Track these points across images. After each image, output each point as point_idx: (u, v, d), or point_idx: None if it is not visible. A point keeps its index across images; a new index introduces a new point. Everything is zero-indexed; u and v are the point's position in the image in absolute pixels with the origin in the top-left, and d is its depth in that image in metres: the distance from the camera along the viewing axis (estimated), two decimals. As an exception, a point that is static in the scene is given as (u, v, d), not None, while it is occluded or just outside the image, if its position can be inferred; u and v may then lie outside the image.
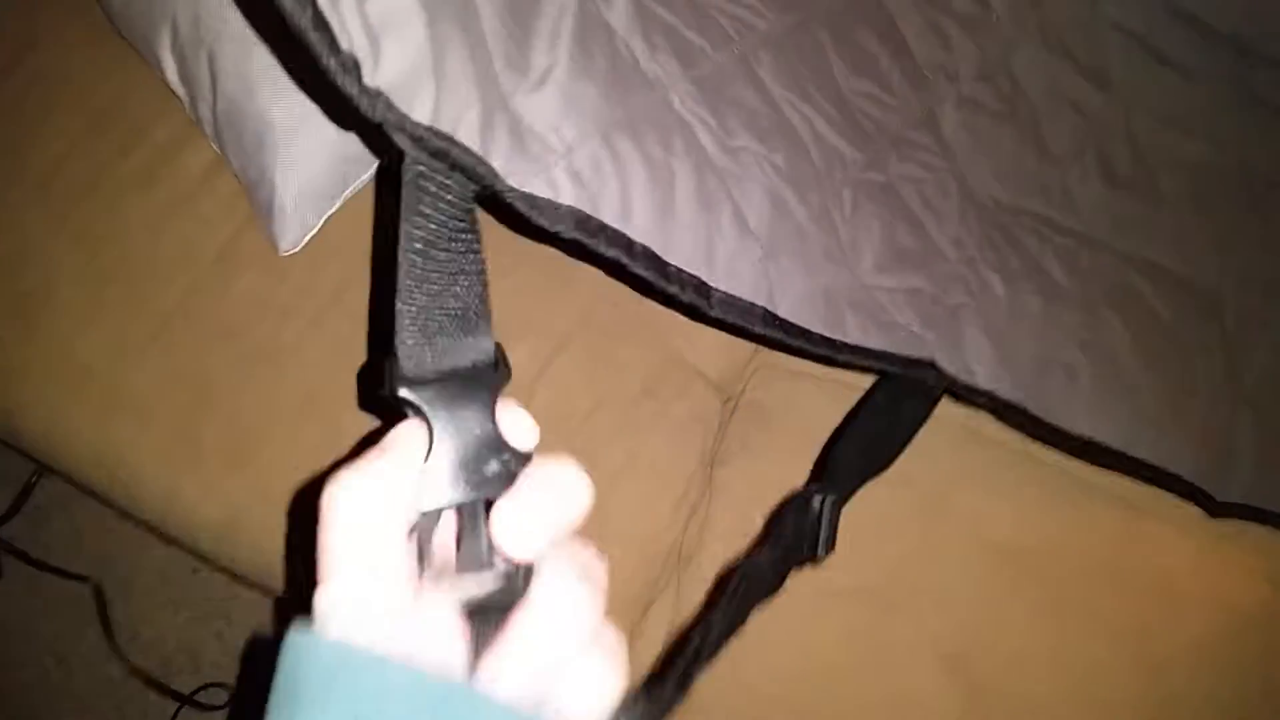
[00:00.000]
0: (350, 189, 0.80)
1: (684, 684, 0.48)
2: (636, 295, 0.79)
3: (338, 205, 0.80)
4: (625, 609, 0.77)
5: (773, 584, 0.59)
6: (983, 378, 0.69)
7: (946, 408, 0.79)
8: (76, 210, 0.83)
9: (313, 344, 0.79)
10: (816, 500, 0.61)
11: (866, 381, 0.80)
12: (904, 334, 0.67)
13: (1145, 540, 0.76)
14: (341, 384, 0.78)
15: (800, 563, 0.62)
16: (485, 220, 0.83)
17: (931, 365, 0.67)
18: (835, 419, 0.79)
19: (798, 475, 0.78)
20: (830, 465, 0.66)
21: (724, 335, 0.83)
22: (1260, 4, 0.85)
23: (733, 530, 0.77)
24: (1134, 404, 0.74)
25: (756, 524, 0.77)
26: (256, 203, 0.79)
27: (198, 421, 0.79)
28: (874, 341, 0.64)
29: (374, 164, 0.81)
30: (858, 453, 0.67)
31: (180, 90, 0.80)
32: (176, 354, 0.79)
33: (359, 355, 0.79)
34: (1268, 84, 0.85)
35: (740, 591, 0.56)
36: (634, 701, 0.34)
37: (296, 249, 0.80)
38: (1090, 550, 0.76)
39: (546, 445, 0.75)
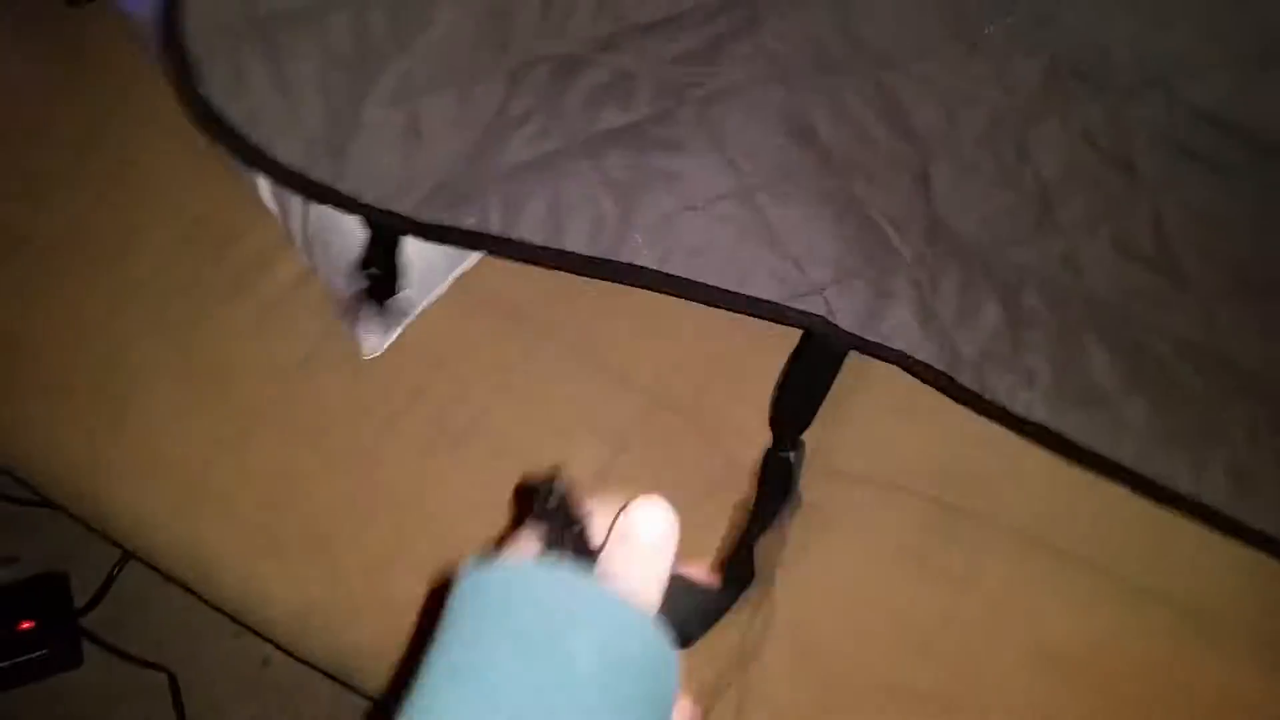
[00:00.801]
0: (429, 298, 0.85)
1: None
2: (695, 397, 0.82)
3: (417, 313, 0.84)
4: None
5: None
6: (900, 344, 0.77)
7: (1007, 511, 0.80)
8: (169, 314, 0.89)
9: (390, 444, 0.83)
10: (790, 458, 0.79)
11: (930, 486, 0.81)
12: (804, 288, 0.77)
13: (1204, 650, 0.75)
14: (414, 483, 0.82)
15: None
16: (544, 329, 0.87)
17: (824, 320, 0.76)
18: (893, 522, 0.81)
19: (856, 576, 0.79)
20: (780, 430, 0.81)
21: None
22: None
23: (794, 632, 0.78)
24: (1114, 416, 0.76)
25: (818, 625, 0.78)
26: (342, 311, 0.83)
27: (278, 516, 0.82)
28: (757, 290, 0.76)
29: (451, 276, 0.85)
30: (793, 415, 0.80)
31: (273, 207, 0.86)
32: (260, 451, 0.84)
33: (432, 455, 0.82)
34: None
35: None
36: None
37: (378, 353, 0.84)
38: (1147, 657, 0.75)
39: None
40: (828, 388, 0.80)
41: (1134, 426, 0.76)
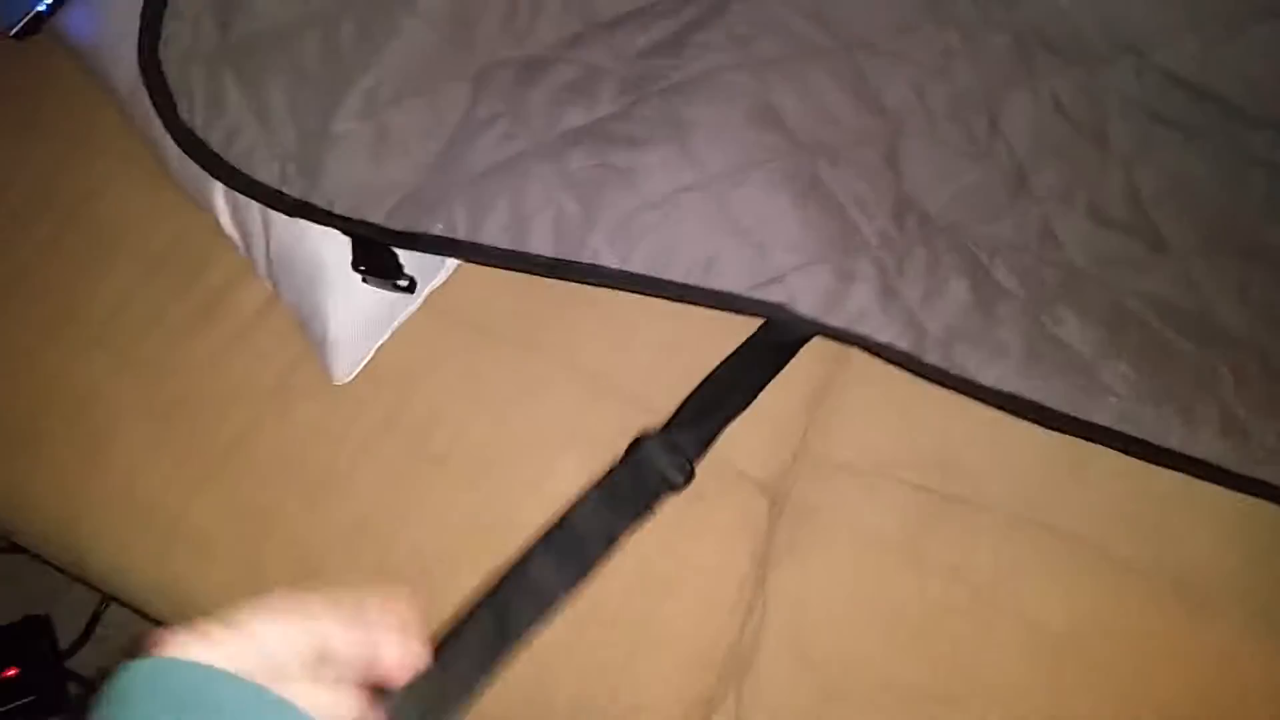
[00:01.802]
0: (399, 319, 0.84)
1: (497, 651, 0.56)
2: (675, 402, 0.81)
3: (388, 334, 0.83)
4: (684, 716, 0.77)
5: (608, 538, 0.68)
6: (864, 328, 0.77)
7: (994, 495, 0.80)
8: (137, 350, 0.87)
9: (366, 469, 0.81)
10: (646, 446, 0.73)
11: (917, 475, 0.81)
12: (767, 277, 0.77)
13: (1199, 621, 0.75)
14: (394, 507, 0.81)
15: (645, 508, 0.71)
16: (520, 342, 0.85)
17: (784, 307, 0.77)
18: (882, 513, 0.80)
19: (849, 572, 0.79)
20: (676, 413, 0.77)
21: (767, 436, 0.85)
22: (1250, 69, 0.87)
23: (788, 632, 0.77)
24: (1093, 380, 0.77)
25: (812, 625, 0.77)
26: (311, 336, 0.82)
27: (259, 550, 0.81)
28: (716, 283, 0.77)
29: (422, 295, 0.84)
30: (709, 397, 0.78)
31: (234, 234, 0.85)
32: (237, 485, 0.82)
33: (409, 478, 0.81)
34: (1267, 145, 0.86)
35: (566, 544, 0.65)
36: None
37: (350, 378, 0.83)
38: (1144, 633, 0.75)
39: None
40: (763, 385, 0.79)
41: (1116, 388, 0.77)
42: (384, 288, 0.79)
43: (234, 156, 0.77)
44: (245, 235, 0.83)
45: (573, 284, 0.86)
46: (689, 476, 0.73)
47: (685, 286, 0.76)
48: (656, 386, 0.84)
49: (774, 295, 0.77)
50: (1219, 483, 0.77)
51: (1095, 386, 0.77)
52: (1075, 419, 0.76)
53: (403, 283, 0.79)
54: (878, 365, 0.86)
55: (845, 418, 0.86)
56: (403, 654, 0.41)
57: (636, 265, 0.76)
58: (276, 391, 0.84)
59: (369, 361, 0.84)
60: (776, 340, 0.80)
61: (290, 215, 0.77)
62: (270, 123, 0.77)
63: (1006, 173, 0.84)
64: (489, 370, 0.85)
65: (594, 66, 0.82)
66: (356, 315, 0.80)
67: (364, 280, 0.79)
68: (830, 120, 0.83)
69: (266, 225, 0.80)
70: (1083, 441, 0.80)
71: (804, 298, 0.77)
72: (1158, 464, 0.76)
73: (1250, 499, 0.77)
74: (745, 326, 0.81)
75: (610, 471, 0.73)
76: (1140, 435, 0.76)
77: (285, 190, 0.76)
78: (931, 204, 0.82)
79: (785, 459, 0.86)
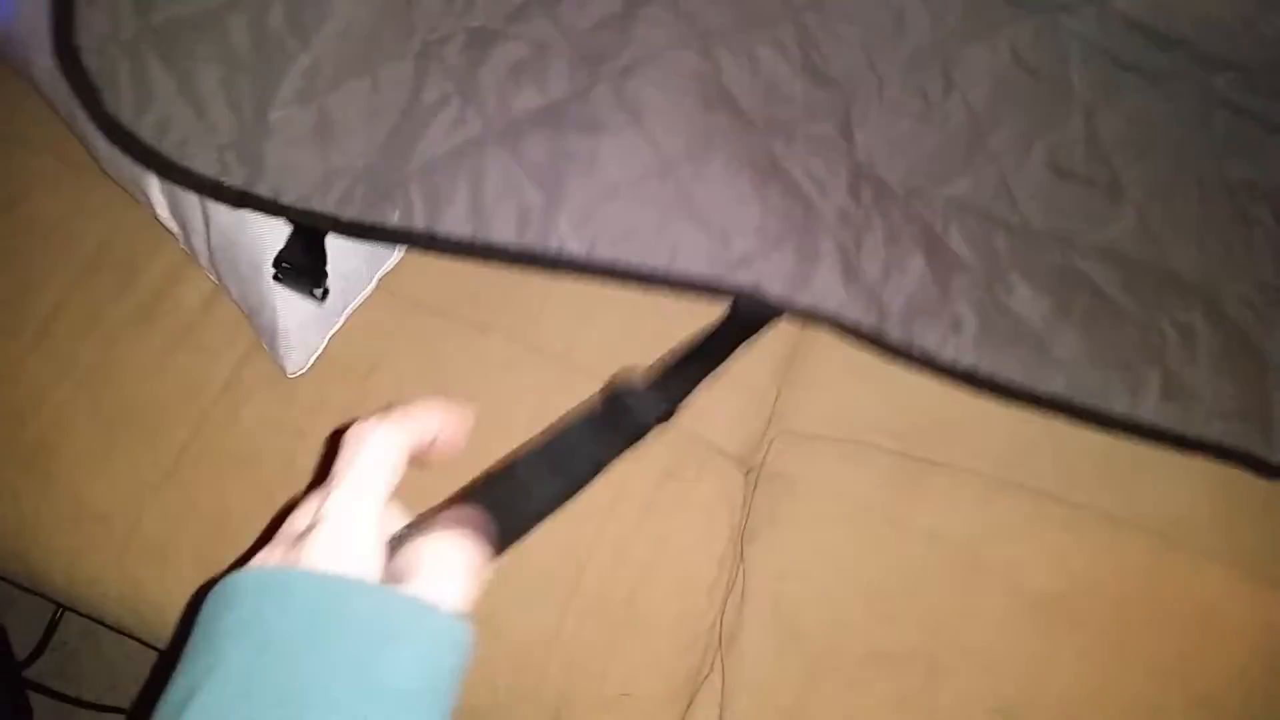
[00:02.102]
0: (352, 305, 0.80)
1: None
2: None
3: (341, 322, 0.80)
4: (671, 698, 0.75)
5: (595, 462, 0.61)
6: (830, 306, 0.77)
7: (971, 457, 0.79)
8: (79, 353, 0.83)
9: (326, 463, 0.78)
10: (619, 389, 0.67)
11: (892, 440, 0.80)
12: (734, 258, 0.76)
13: (1181, 572, 0.76)
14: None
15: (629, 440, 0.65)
16: (480, 323, 0.83)
17: (753, 290, 0.76)
18: (859, 481, 0.79)
19: (827, 541, 0.78)
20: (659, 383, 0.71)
21: (739, 408, 0.83)
22: (1211, 9, 0.86)
23: (770, 606, 0.76)
24: (1043, 350, 0.77)
25: (793, 599, 0.76)
26: (259, 328, 0.79)
27: (218, 553, 0.78)
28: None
29: (375, 278, 0.81)
30: (678, 365, 0.73)
31: (173, 226, 0.81)
32: (192, 488, 0.79)
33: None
34: (1229, 86, 0.86)
35: (558, 458, 0.58)
36: None
37: (304, 370, 0.79)
38: (1127, 588, 0.75)
39: (571, 541, 0.72)
40: (726, 355, 0.77)
41: (1064, 358, 0.77)
42: (299, 292, 0.75)
43: (168, 148, 0.72)
44: (184, 227, 0.79)
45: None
46: (670, 413, 0.69)
47: (654, 275, 0.75)
48: (620, 365, 0.81)
49: (741, 279, 0.76)
50: (1168, 446, 0.77)
51: (1046, 357, 0.77)
52: (1028, 391, 0.77)
53: (318, 291, 0.75)
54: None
55: (816, 386, 0.84)
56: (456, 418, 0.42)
57: (603, 253, 0.75)
58: (227, 388, 0.81)
59: (322, 352, 0.80)
60: (743, 321, 0.78)
61: (235, 207, 0.73)
62: (204, 111, 0.73)
63: (963, 130, 0.83)
64: (448, 354, 0.82)
65: (542, 44, 0.79)
66: (307, 304, 0.77)
67: (279, 280, 0.75)
68: (782, 97, 0.82)
69: (207, 216, 0.76)
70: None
71: (771, 282, 0.76)
72: (1108, 431, 0.77)
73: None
74: (708, 301, 0.79)
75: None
76: (1087, 403, 0.77)
77: (226, 181, 0.72)
78: (887, 171, 0.81)
79: (758, 430, 0.84)
